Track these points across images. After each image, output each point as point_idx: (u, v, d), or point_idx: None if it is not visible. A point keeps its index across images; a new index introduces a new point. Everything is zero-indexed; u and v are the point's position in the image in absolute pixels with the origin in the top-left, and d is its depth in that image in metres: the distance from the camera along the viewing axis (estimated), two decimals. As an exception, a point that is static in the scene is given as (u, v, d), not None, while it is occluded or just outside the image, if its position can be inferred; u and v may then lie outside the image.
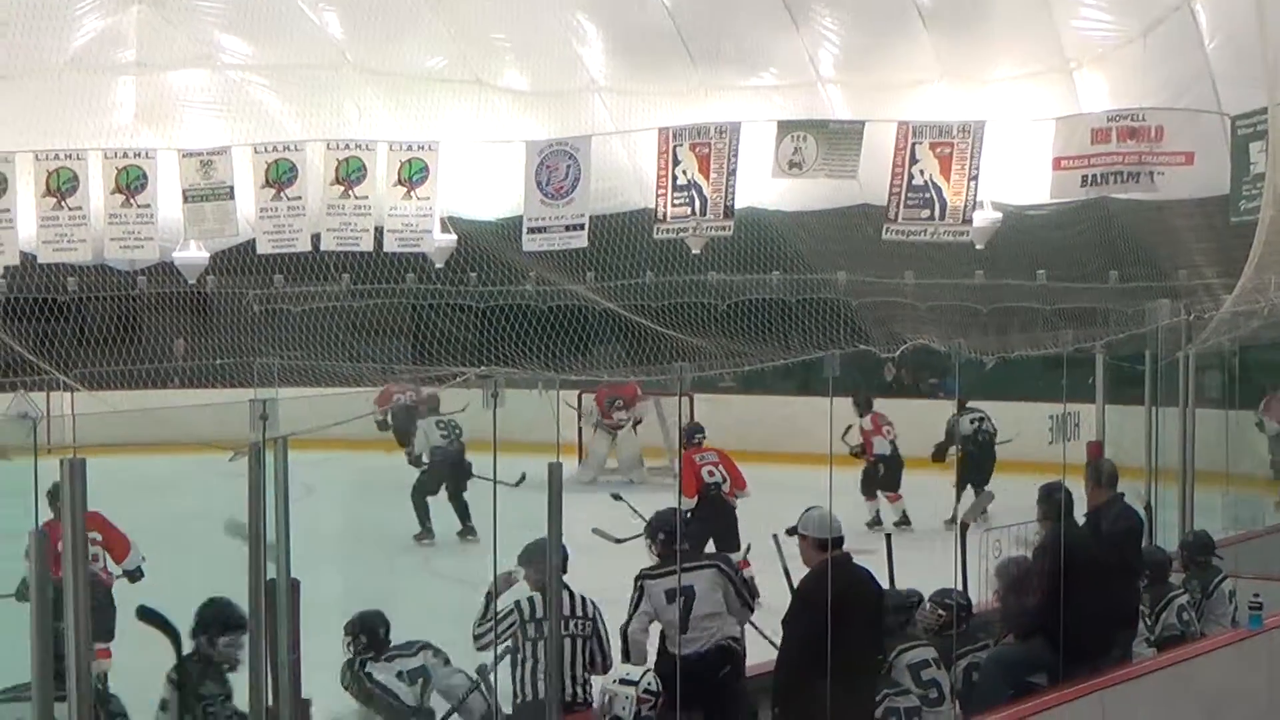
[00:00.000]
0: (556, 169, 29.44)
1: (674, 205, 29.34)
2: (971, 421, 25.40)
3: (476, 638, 11.08)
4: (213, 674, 9.57)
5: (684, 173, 29.15)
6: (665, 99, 30.88)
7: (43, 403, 30.11)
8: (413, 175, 30.21)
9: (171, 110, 32.31)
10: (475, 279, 33.09)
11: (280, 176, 30.21)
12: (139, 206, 30.58)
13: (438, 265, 32.34)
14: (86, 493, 7.26)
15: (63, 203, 30.31)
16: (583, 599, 11.36)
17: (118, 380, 32.32)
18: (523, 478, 10.88)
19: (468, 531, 23.41)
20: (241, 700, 8.82)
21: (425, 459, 24.51)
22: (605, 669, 10.93)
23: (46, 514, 7.36)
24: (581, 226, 29.59)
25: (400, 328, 33.90)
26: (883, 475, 25.67)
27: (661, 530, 11.69)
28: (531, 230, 29.73)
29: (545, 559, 9.79)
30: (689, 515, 17.64)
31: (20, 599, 11.06)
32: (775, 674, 10.62)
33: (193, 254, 32.41)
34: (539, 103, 31.60)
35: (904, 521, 24.80)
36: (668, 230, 29.66)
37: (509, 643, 10.98)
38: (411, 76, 31.52)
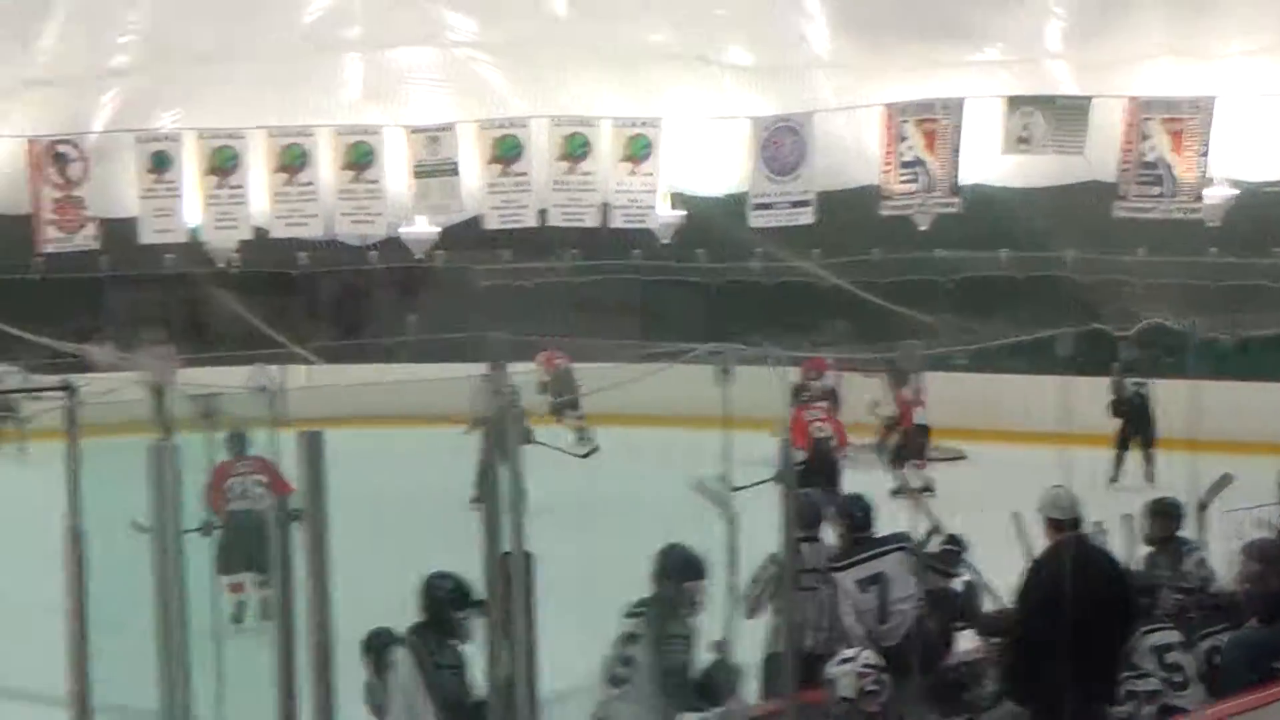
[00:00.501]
0: (782, 145, 29.40)
1: (900, 182, 29.21)
2: (1132, 385, 25.05)
3: (745, 600, 11.07)
4: (675, 617, 9.69)
5: (910, 149, 29.01)
6: (890, 75, 30.58)
7: (279, 376, 30.58)
8: (638, 151, 30.33)
9: (398, 87, 32.62)
10: (703, 255, 33.05)
11: (506, 152, 30.48)
12: (368, 182, 31.04)
13: (664, 241, 32.38)
14: (324, 465, 7.32)
15: (294, 178, 30.85)
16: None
17: (350, 354, 32.76)
18: (594, 449, 10.90)
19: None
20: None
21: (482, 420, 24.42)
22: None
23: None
24: (808, 203, 29.57)
25: (627, 303, 33.94)
26: (913, 445, 25.27)
27: (846, 515, 11.55)
28: (758, 206, 29.74)
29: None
30: (800, 466, 17.86)
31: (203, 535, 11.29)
32: (1005, 652, 10.49)
33: (421, 229, 32.78)
34: (763, 78, 31.45)
35: (929, 489, 24.39)
36: (894, 206, 29.53)
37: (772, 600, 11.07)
38: (636, 52, 31.49)
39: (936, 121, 28.94)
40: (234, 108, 31.32)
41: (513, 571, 8.43)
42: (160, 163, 30.60)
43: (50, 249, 30.62)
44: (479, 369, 27.00)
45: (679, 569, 9.85)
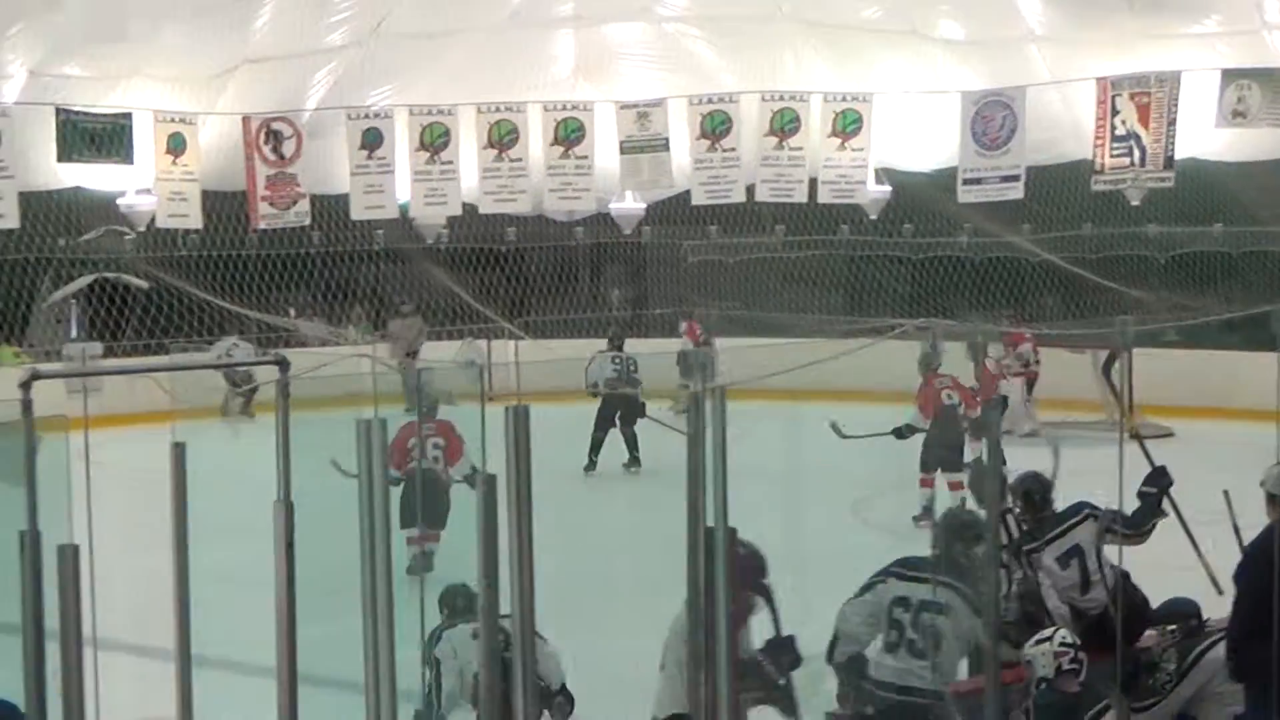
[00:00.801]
0: (992, 120, 29.12)
1: (1112, 156, 28.80)
2: None
3: None
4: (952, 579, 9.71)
5: (1123, 123, 28.59)
6: (1104, 48, 30.13)
7: (488, 350, 30.88)
8: (847, 126, 30.19)
9: (609, 63, 32.73)
10: (910, 230, 32.88)
11: (715, 128, 30.47)
12: (577, 158, 31.16)
13: (872, 216, 32.23)
14: (530, 439, 7.36)
15: (503, 154, 31.05)
16: (1018, 522, 11.37)
17: (557, 329, 32.98)
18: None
19: (633, 462, 23.56)
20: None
21: (600, 388, 24.62)
22: None
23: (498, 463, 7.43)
24: (1018, 177, 29.26)
25: (834, 279, 33.85)
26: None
27: (1028, 494, 11.40)
28: (967, 181, 29.49)
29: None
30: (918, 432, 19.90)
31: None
32: (1229, 629, 10.29)
33: (629, 205, 32.88)
34: (975, 53, 31.17)
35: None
36: (1106, 181, 29.13)
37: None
38: (847, 27, 31.34)
39: (1151, 95, 28.48)
40: (445, 84, 31.62)
41: (715, 546, 8.44)
42: (372, 139, 30.95)
43: (264, 225, 31.08)
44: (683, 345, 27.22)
45: (958, 530, 9.82)
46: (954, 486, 18.98)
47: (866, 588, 9.96)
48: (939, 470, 19.56)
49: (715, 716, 8.49)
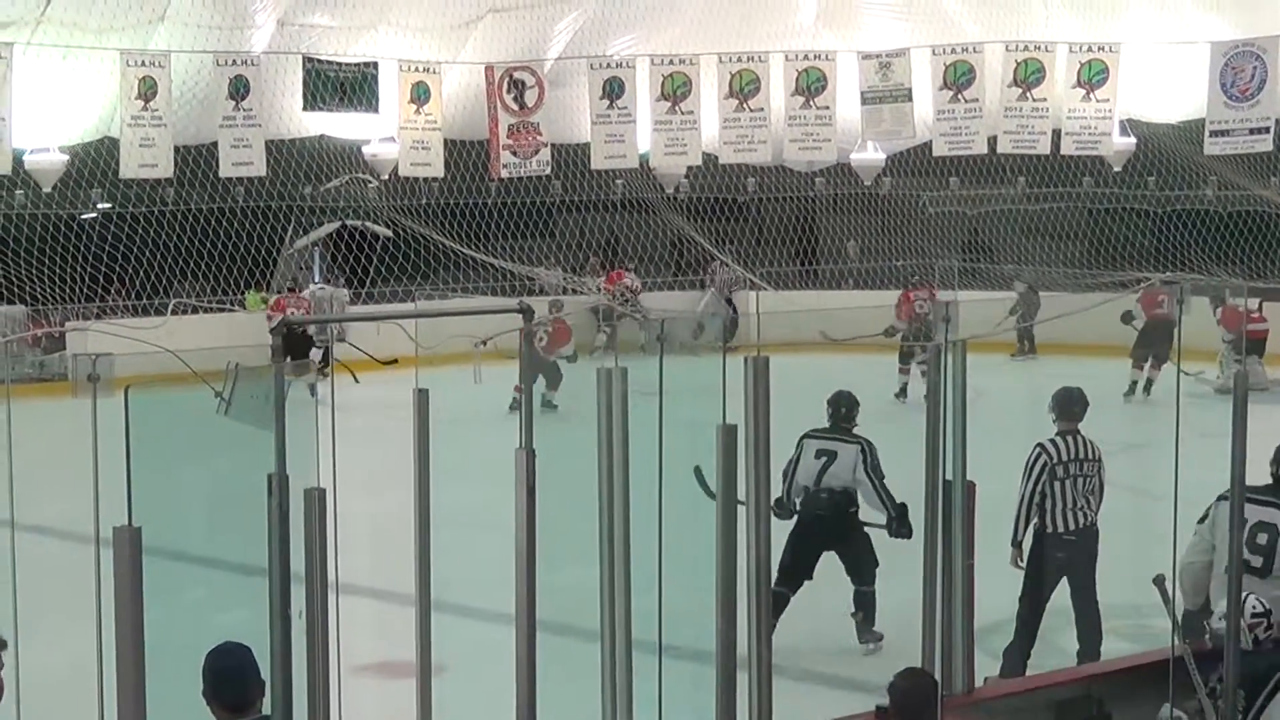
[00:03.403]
0: (1242, 71, 28.52)
1: (1366, 107, 28.11)
2: None
3: None
4: None
5: (1379, 73, 27.88)
6: (1364, -5, 29.39)
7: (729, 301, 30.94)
8: (1092, 77, 29.75)
9: (852, 12, 32.52)
10: (1153, 183, 32.30)
11: (958, 79, 30.20)
12: (818, 108, 31.06)
13: (1115, 169, 31.75)
14: (769, 390, 7.35)
15: (744, 104, 31.03)
16: (1089, 443, 11.57)
17: (796, 280, 32.88)
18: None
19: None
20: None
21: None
22: None
23: (737, 413, 7.41)
24: (1267, 130, 28.65)
25: (1076, 231, 33.40)
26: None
27: None
28: (1214, 133, 28.94)
29: (1065, 405, 11.63)
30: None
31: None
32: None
33: (870, 155, 32.72)
34: (1225, 2, 30.49)
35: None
36: (1359, 134, 28.45)
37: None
38: (1096, -25, 30.85)
39: None
40: (686, 34, 31.65)
41: (953, 499, 8.38)
42: (613, 89, 31.09)
43: (505, 174, 31.34)
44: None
45: None
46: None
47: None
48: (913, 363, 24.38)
49: (950, 667, 8.46)
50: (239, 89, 28.81)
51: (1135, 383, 25.33)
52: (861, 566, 12.39)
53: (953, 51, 30.34)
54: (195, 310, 27.26)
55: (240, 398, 7.18)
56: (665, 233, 33.56)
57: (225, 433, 7.32)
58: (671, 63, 31.09)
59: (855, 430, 12.78)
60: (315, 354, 26.99)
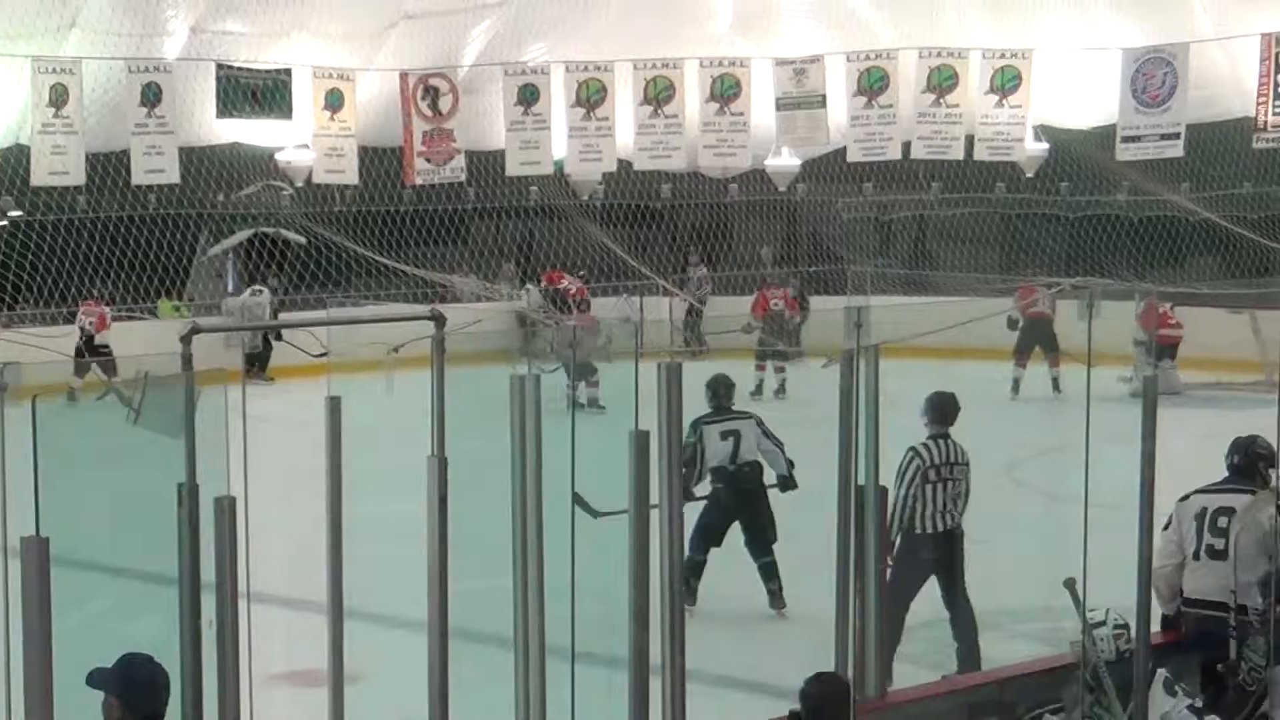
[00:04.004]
0: (1153, 76, 28.77)
1: (1275, 113, 28.41)
2: None
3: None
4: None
5: (1288, 79, 28.15)
6: (1269, 3, 29.61)
7: (641, 307, 30.95)
8: (1005, 83, 29.94)
9: (767, 19, 32.59)
10: (1066, 188, 32.49)
11: (873, 85, 30.33)
12: (733, 115, 31.14)
13: (1028, 174, 31.95)
14: (682, 397, 7.37)
15: (659, 111, 31.06)
16: (959, 448, 11.69)
17: (712, 286, 32.94)
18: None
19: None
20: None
21: None
22: None
23: (643, 422, 7.43)
24: (1178, 135, 28.91)
25: (989, 237, 33.59)
26: None
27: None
28: (1126, 139, 29.18)
29: (939, 410, 11.68)
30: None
31: None
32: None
33: (784, 161, 32.80)
34: (1138, 9, 30.72)
35: None
36: (1268, 139, 28.71)
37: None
38: (1008, -18, 31.04)
39: (1316, 51, 28.03)
40: (602, 40, 31.62)
41: (866, 503, 8.42)
42: (528, 95, 31.06)
43: (419, 181, 31.27)
44: (840, 301, 27.17)
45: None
46: (778, 370, 26.04)
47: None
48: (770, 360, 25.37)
49: (863, 672, 8.50)
50: (151, 96, 28.61)
51: (1017, 380, 26.14)
52: (767, 535, 13.38)
53: (867, 58, 30.47)
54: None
55: (150, 406, 7.13)
56: (580, 239, 33.53)
57: (135, 441, 7.27)
58: (586, 69, 31.08)
59: (735, 407, 13.89)
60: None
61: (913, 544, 11.48)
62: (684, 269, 34.17)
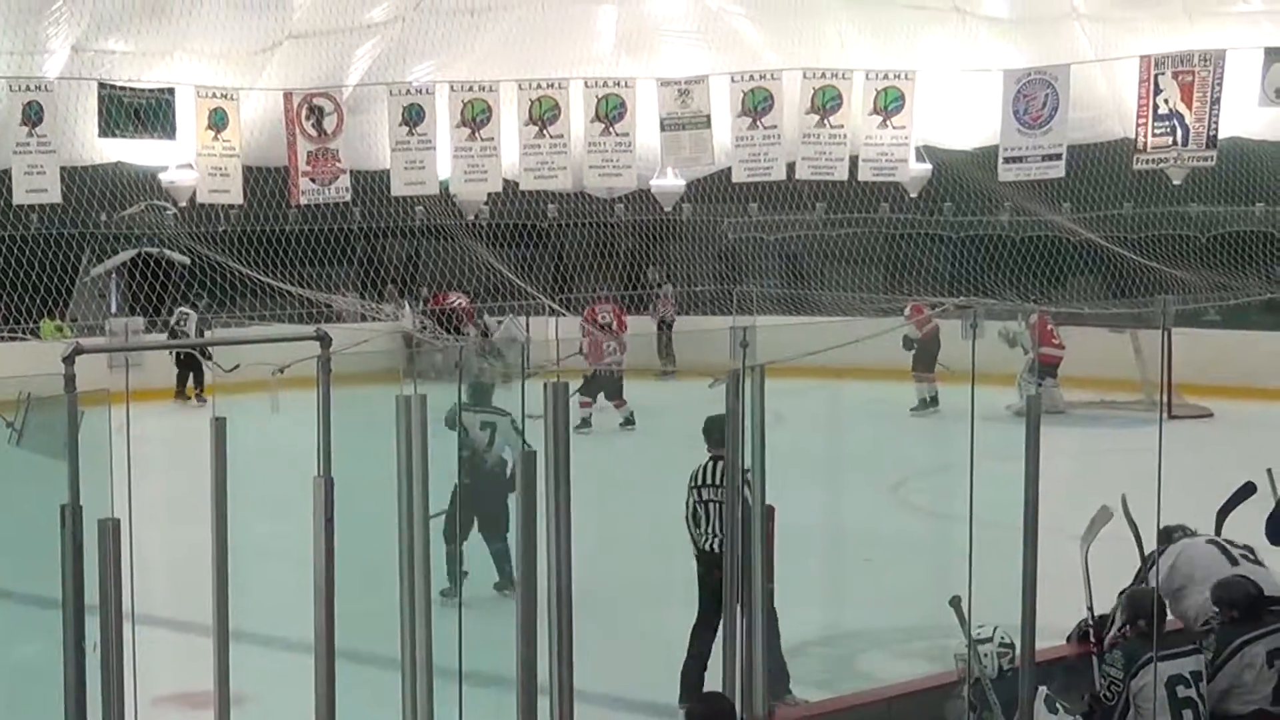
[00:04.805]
0: (1034, 98, 29.01)
1: (1155, 135, 28.67)
2: None
3: None
4: None
5: (1166, 101, 28.44)
6: (1148, 26, 29.97)
7: (527, 327, 30.92)
8: (889, 104, 30.08)
9: (651, 40, 32.67)
10: (949, 209, 32.76)
11: (757, 105, 30.39)
12: (618, 135, 31.10)
13: (912, 195, 32.15)
14: (567, 414, 7.38)
15: (545, 131, 30.98)
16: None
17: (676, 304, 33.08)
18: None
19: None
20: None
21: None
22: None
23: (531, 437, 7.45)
24: (1059, 156, 29.14)
25: (874, 257, 33.80)
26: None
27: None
28: (1008, 160, 29.39)
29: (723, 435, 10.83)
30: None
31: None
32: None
33: (670, 182, 32.83)
34: (1019, 30, 31.02)
35: None
36: (1148, 160, 29.00)
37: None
38: (892, 4, 31.20)
39: (1194, 73, 28.29)
40: (486, 60, 31.57)
41: (752, 522, 8.45)
42: (413, 115, 30.92)
43: (304, 201, 31.07)
44: (726, 321, 27.28)
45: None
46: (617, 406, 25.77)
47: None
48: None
49: (750, 691, 8.52)
50: (33, 115, 28.27)
51: (923, 398, 26.55)
52: (503, 521, 14.14)
53: (751, 79, 30.54)
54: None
55: (32, 427, 7.08)
56: (466, 259, 33.51)
57: (17, 463, 7.22)
58: (471, 89, 30.98)
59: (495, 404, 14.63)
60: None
61: (699, 561, 11.39)
62: (648, 286, 34.29)
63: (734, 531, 8.55)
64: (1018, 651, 8.79)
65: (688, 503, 11.43)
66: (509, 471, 13.87)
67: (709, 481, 11.36)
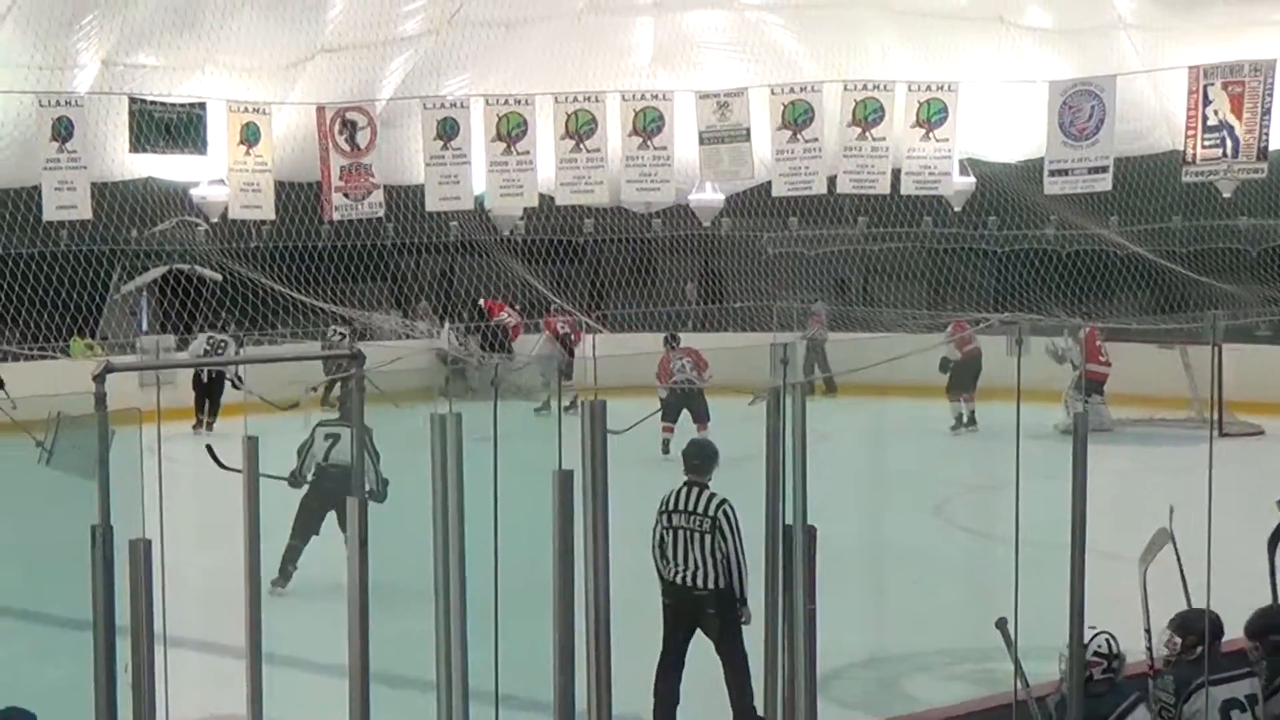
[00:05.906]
0: (1080, 110, 28.81)
1: (1204, 147, 28.43)
2: None
3: None
4: None
5: (1215, 113, 28.20)
6: (1196, 36, 29.70)
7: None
8: (931, 116, 29.90)
9: (689, 52, 32.56)
10: (994, 223, 32.54)
11: (797, 118, 30.24)
12: (655, 149, 30.99)
13: (955, 208, 31.96)
14: (608, 435, 7.23)
15: (581, 145, 30.89)
16: (709, 501, 10.98)
17: (634, 322, 32.78)
18: None
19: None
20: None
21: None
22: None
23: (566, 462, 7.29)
24: (1106, 169, 28.93)
25: (916, 272, 33.62)
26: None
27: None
28: (1053, 172, 29.19)
29: (703, 461, 11.18)
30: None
31: None
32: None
33: (708, 196, 32.72)
34: (1063, 41, 30.82)
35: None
36: (1197, 173, 28.77)
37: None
38: (934, 15, 31.00)
39: (1244, 84, 28.04)
40: (522, 73, 31.48)
41: (794, 543, 8.25)
42: (448, 129, 30.83)
43: (337, 216, 30.99)
44: (767, 338, 27.09)
45: None
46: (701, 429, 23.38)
47: None
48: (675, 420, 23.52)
49: (792, 713, 8.33)
50: (63, 130, 28.17)
51: (959, 415, 26.26)
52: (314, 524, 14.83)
53: (791, 91, 30.39)
54: (17, 358, 26.80)
55: (63, 447, 6.99)
56: (501, 275, 33.41)
57: (48, 483, 7.12)
58: (506, 103, 30.89)
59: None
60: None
61: (666, 591, 11.08)
62: (686, 302, 34.29)
63: (774, 553, 8.35)
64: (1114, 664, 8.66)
65: (654, 530, 11.03)
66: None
67: (680, 507, 11.00)
